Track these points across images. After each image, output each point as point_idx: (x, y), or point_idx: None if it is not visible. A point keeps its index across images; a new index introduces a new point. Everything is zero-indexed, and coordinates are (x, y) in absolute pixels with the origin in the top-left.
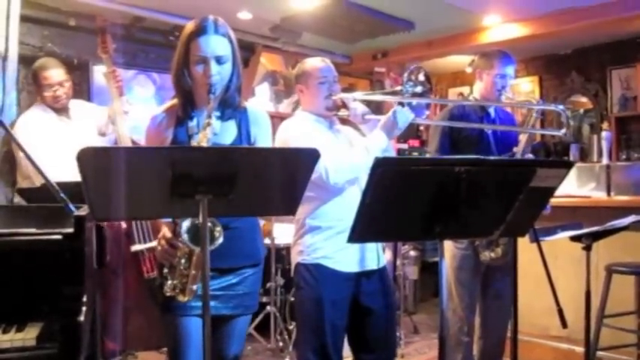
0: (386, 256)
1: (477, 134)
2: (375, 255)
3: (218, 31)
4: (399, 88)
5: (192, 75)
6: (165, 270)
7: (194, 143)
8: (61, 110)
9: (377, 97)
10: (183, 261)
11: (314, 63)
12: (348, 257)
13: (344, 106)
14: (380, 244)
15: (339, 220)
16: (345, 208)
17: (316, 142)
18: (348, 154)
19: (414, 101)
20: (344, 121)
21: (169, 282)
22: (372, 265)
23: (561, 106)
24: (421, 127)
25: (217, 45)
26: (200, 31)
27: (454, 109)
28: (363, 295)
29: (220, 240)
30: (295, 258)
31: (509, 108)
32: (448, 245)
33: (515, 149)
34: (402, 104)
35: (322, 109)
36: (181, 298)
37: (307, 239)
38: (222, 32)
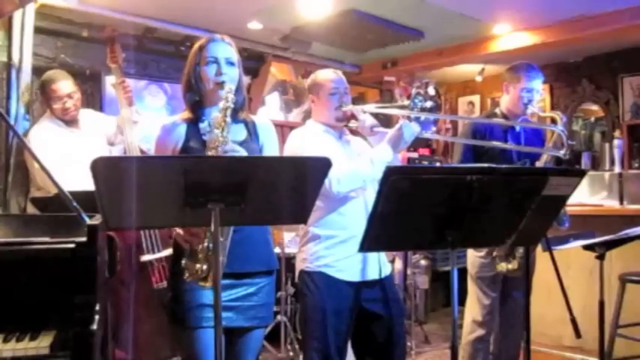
0: (396, 266)
1: (500, 147)
2: (377, 266)
3: (225, 40)
4: (407, 102)
5: (202, 77)
6: (184, 260)
7: (208, 143)
8: (71, 122)
9: (386, 110)
10: (209, 235)
11: (326, 74)
12: (349, 266)
13: (354, 117)
14: (383, 255)
15: (342, 230)
16: (350, 217)
17: (324, 152)
18: (353, 165)
19: (423, 116)
20: (354, 132)
21: (192, 266)
22: (373, 275)
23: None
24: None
25: (226, 49)
26: (209, 40)
27: (478, 123)
28: (366, 302)
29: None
30: (299, 265)
31: (537, 119)
32: (469, 253)
33: (537, 163)
34: (409, 118)
35: (332, 119)
36: (203, 284)
37: (311, 247)
38: (229, 42)
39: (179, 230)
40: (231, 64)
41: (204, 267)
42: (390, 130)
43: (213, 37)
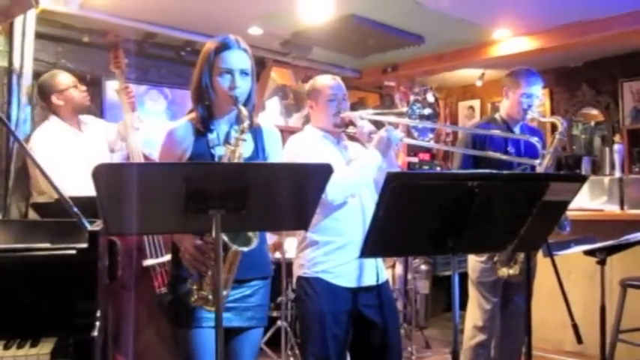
0: (397, 271)
1: (500, 153)
2: (374, 271)
3: (240, 46)
4: (405, 109)
5: (214, 87)
6: (191, 283)
7: (217, 157)
8: (78, 121)
9: (384, 117)
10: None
11: (324, 80)
12: (347, 273)
13: (352, 123)
14: (380, 261)
15: (339, 236)
16: (346, 224)
17: (321, 158)
18: (345, 173)
19: (420, 125)
20: (351, 138)
21: (199, 292)
22: (370, 281)
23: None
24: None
25: (242, 59)
26: (225, 46)
27: (478, 128)
28: (364, 308)
29: (255, 242)
30: (297, 271)
31: (536, 124)
32: (470, 258)
33: (537, 168)
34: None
35: (330, 125)
36: (209, 308)
37: (308, 253)
38: (244, 48)
39: (187, 255)
40: (245, 74)
41: (210, 297)
42: (377, 134)
43: (228, 43)
